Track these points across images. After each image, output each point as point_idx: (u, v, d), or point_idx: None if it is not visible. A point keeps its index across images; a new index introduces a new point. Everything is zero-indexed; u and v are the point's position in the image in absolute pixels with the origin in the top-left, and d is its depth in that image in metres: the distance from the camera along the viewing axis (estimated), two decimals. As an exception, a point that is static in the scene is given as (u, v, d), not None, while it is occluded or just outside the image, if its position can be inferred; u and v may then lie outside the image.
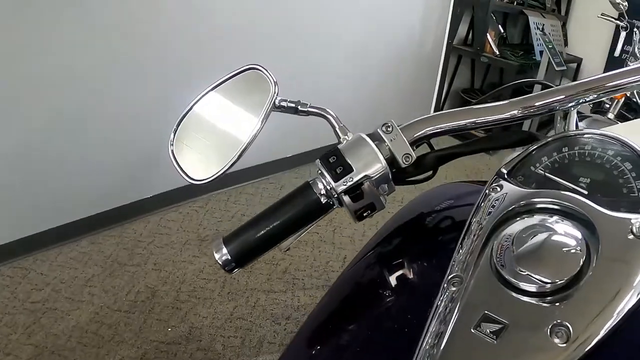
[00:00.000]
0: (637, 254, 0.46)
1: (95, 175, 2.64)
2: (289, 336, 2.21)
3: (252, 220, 0.58)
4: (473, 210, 0.57)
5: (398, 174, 0.60)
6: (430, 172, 0.66)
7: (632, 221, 0.48)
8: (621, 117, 3.58)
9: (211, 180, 0.61)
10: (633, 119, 2.82)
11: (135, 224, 2.85)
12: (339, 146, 0.58)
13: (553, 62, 4.13)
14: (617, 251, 0.46)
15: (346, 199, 0.56)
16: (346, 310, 0.64)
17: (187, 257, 2.65)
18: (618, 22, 3.93)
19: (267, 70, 0.62)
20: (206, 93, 0.67)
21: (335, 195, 0.56)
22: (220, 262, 0.56)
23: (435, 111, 3.97)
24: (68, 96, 2.40)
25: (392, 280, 0.63)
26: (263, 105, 0.61)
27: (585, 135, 0.59)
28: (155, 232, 2.81)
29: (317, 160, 0.58)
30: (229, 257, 0.56)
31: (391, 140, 0.58)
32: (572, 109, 0.65)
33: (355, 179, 0.55)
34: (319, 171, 0.57)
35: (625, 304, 0.43)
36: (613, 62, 4.09)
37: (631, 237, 0.47)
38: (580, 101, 0.62)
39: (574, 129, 0.68)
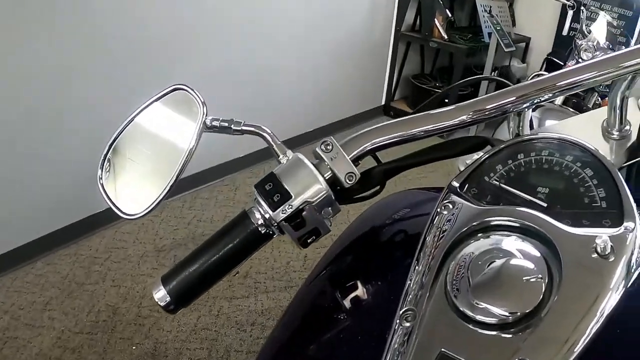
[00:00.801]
0: (602, 276, 0.43)
1: (44, 194, 2.53)
2: (256, 343, 2.18)
3: (190, 256, 0.53)
4: (425, 231, 0.53)
5: (343, 192, 0.56)
6: (378, 187, 0.62)
7: (597, 240, 0.44)
8: (576, 96, 3.64)
9: (147, 213, 0.56)
10: (587, 105, 2.86)
11: (91, 239, 2.76)
12: (275, 171, 0.54)
13: (502, 44, 4.16)
14: (581, 274, 0.43)
15: (287, 227, 0.52)
16: (300, 338, 0.61)
17: (145, 270, 2.59)
18: (565, 1, 4.00)
19: (193, 90, 0.57)
20: (132, 119, 0.62)
21: (275, 224, 0.52)
22: (161, 305, 0.52)
23: (387, 100, 4.01)
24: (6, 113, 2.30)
25: (348, 304, 0.60)
26: (193, 128, 0.57)
27: (542, 140, 0.56)
28: (111, 247, 2.73)
29: (254, 187, 0.54)
30: (169, 299, 0.52)
31: (332, 159, 0.54)
32: (527, 109, 0.62)
33: (294, 206, 0.51)
34: (256, 199, 0.53)
35: (590, 331, 0.40)
36: (561, 41, 4.15)
37: (595, 256, 0.44)
38: (535, 101, 0.59)
39: (529, 129, 0.66)
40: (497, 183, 0.53)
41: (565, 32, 4.15)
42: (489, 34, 4.32)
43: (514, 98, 0.58)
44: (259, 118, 2.80)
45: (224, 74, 3.07)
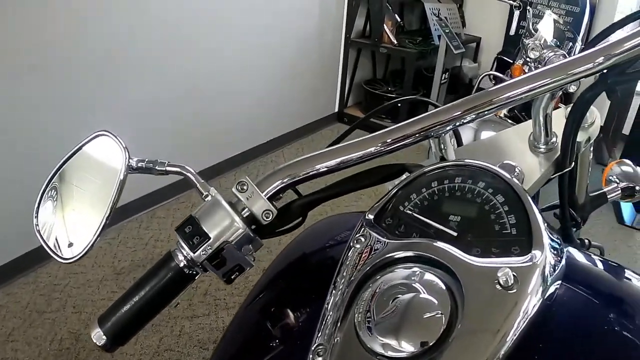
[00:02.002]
0: (504, 308, 0.43)
1: None
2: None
3: (123, 297, 0.55)
4: (339, 265, 0.53)
5: (264, 228, 0.57)
6: (300, 219, 0.64)
7: (498, 273, 0.44)
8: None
9: (82, 256, 0.58)
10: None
11: (49, 266, 2.70)
12: (194, 213, 0.55)
13: (451, 46, 4.22)
14: (483, 306, 0.43)
15: (209, 266, 0.54)
16: None
17: (105, 294, 2.55)
18: (511, 2, 4.07)
19: (116, 137, 0.59)
20: (60, 167, 0.64)
21: (198, 265, 0.54)
22: (99, 345, 0.54)
23: (340, 107, 4.01)
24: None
25: (274, 335, 0.61)
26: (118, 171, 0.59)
27: (455, 167, 0.56)
28: (70, 272, 2.67)
29: (175, 230, 0.55)
30: (105, 339, 0.54)
31: (247, 198, 0.56)
32: (447, 133, 0.63)
33: (213, 247, 0.53)
34: (178, 241, 0.54)
35: None
36: (511, 39, 4.22)
37: (498, 288, 0.44)
38: (457, 124, 0.59)
39: (452, 152, 0.66)
40: (411, 212, 0.53)
41: (512, 32, 4.22)
42: (439, 37, 4.37)
43: (433, 123, 0.58)
44: (210, 133, 2.79)
45: (169, 91, 3.01)
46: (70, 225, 0.62)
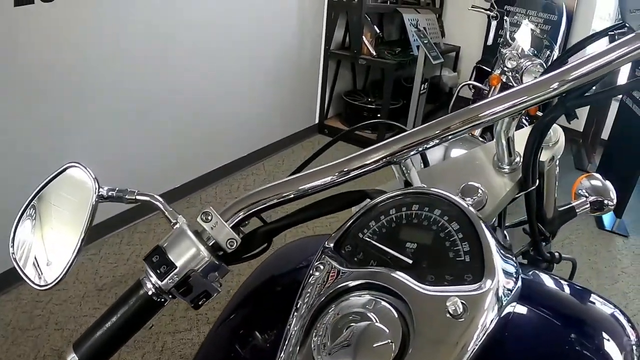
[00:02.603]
0: (453, 337, 0.44)
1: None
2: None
3: (96, 323, 0.57)
4: (300, 290, 0.55)
5: (230, 255, 0.59)
6: (265, 245, 0.65)
7: (447, 302, 0.45)
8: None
9: (58, 282, 0.60)
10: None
11: (30, 283, 2.69)
12: (161, 243, 0.57)
13: (430, 57, 4.25)
14: (433, 335, 0.44)
15: (176, 293, 0.55)
16: None
17: (87, 310, 2.53)
18: (488, 12, 4.12)
19: (86, 168, 0.61)
20: (33, 197, 0.65)
21: (166, 292, 0.56)
22: None
23: (320, 118, 4.03)
24: None
25: (244, 356, 0.64)
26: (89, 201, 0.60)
27: (413, 194, 0.57)
28: (52, 289, 2.64)
29: (143, 260, 0.57)
30: None
31: (212, 228, 0.57)
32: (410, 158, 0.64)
33: (180, 275, 0.55)
34: (146, 270, 0.56)
35: None
36: (491, 48, 4.26)
37: (448, 316, 0.45)
38: (421, 149, 0.61)
39: (416, 177, 0.68)
40: (369, 240, 0.55)
41: (490, 42, 4.28)
42: (418, 47, 4.39)
43: (393, 151, 0.60)
44: (190, 148, 2.77)
45: (147, 106, 3.00)
46: (47, 251, 0.64)
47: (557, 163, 0.86)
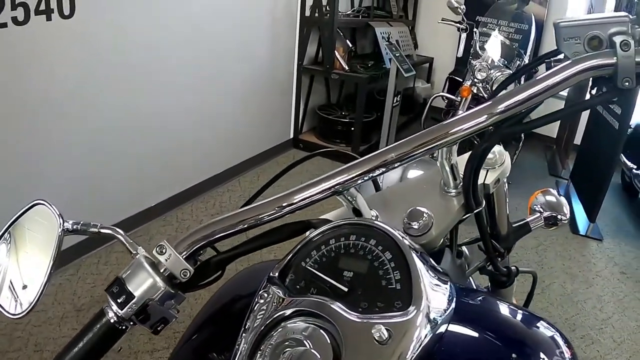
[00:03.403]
0: None
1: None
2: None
3: (64, 350, 0.60)
4: (246, 318, 0.58)
5: (186, 283, 0.62)
6: (220, 273, 0.67)
7: (373, 330, 0.48)
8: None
9: (28, 312, 0.64)
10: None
11: (9, 304, 2.66)
12: (120, 275, 0.60)
13: (401, 69, 4.29)
14: (359, 359, 0.47)
15: (136, 321, 0.59)
16: None
17: (66, 331, 2.52)
18: (457, 25, 4.18)
19: (51, 205, 0.65)
20: (2, 234, 0.69)
21: (127, 320, 0.58)
22: None
23: (295, 133, 4.05)
24: None
25: None
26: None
27: (350, 225, 0.60)
28: (31, 310, 2.62)
29: (104, 291, 0.60)
30: None
31: (166, 259, 0.60)
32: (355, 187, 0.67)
33: (138, 304, 0.58)
34: (108, 300, 0.59)
35: None
36: (463, 59, 4.33)
37: (374, 343, 0.48)
38: (361, 182, 0.64)
39: (364, 203, 0.70)
40: (310, 269, 0.57)
41: (460, 54, 4.33)
42: (390, 60, 4.43)
43: (340, 180, 0.64)
44: (164, 167, 2.78)
45: (121, 125, 2.99)
46: (16, 285, 0.67)
47: (505, 183, 0.88)
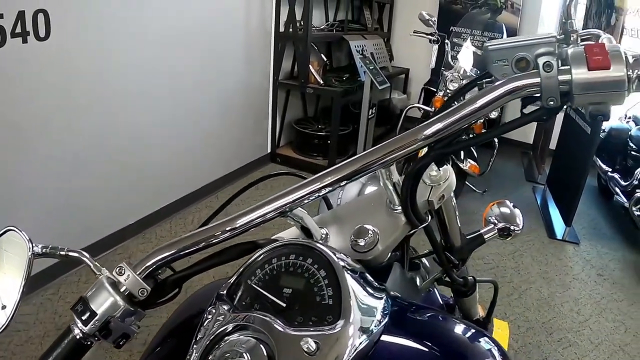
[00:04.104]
0: None
1: None
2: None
3: None
4: (195, 333, 0.62)
5: (145, 301, 0.66)
6: (177, 290, 0.72)
7: (301, 342, 0.52)
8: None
9: (4, 329, 0.66)
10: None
11: (-10, 325, 2.64)
12: (84, 294, 0.64)
13: (375, 82, 4.33)
14: None
15: (99, 336, 0.63)
16: None
17: (49, 350, 2.51)
18: (429, 37, 4.25)
19: (20, 231, 0.68)
20: None
21: (91, 336, 0.62)
22: None
23: (272, 147, 4.07)
24: None
25: None
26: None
27: (290, 245, 0.64)
28: (12, 329, 2.60)
29: (70, 309, 0.64)
30: None
31: (125, 279, 0.64)
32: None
33: (100, 321, 0.62)
34: (74, 318, 0.63)
35: None
36: (438, 70, 4.39)
37: (304, 354, 0.52)
38: (306, 202, 0.68)
39: (311, 220, 0.75)
40: (255, 286, 0.61)
41: (433, 65, 4.39)
42: (365, 73, 4.47)
43: (287, 201, 0.68)
44: (142, 184, 2.78)
45: (96, 144, 2.98)
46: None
47: (452, 197, 0.91)
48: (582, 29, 0.69)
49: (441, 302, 1.23)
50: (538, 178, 5.00)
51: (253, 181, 0.95)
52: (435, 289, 1.22)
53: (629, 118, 4.58)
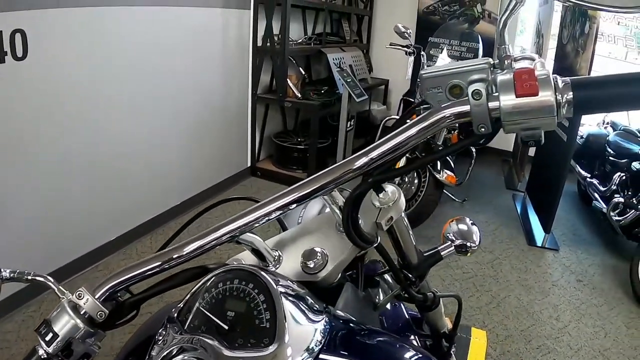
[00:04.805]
0: None
1: None
2: None
3: None
4: (147, 354, 0.66)
5: (105, 322, 0.69)
6: (135, 312, 0.75)
7: None
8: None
9: None
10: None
11: (-26, 343, 2.64)
12: (47, 317, 0.68)
13: (353, 95, 4.36)
14: None
15: (62, 357, 0.66)
16: None
17: (30, 367, 2.49)
18: (405, 49, 4.29)
19: None
20: None
21: (55, 355, 0.66)
22: None
23: (252, 161, 4.06)
24: None
25: None
26: None
27: (234, 271, 0.66)
28: None
29: (34, 331, 0.68)
30: None
31: (84, 303, 0.68)
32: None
33: (63, 343, 0.66)
34: (38, 339, 0.67)
35: None
36: (414, 81, 4.43)
37: None
38: (256, 226, 0.71)
39: (261, 242, 0.78)
40: (202, 309, 0.64)
41: (409, 77, 4.43)
42: (342, 85, 4.49)
43: (240, 225, 0.71)
44: (122, 199, 2.81)
45: (77, 160, 2.97)
46: None
47: (404, 217, 0.92)
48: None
49: (407, 317, 1.24)
50: (518, 186, 5.04)
51: (206, 207, 0.97)
52: (401, 304, 1.23)
53: (607, 124, 4.63)
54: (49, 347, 0.65)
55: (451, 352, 1.29)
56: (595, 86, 0.59)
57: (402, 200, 0.84)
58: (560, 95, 0.58)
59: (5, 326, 2.74)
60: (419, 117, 0.64)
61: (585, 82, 0.59)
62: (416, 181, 3.72)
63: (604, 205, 3.80)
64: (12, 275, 0.71)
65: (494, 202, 4.70)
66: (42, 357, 0.66)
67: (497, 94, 0.59)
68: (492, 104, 0.60)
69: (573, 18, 4.02)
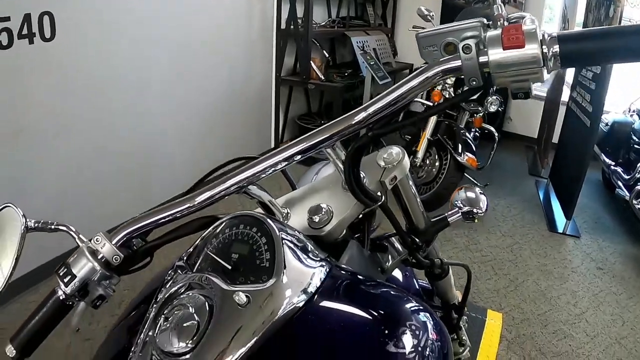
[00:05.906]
0: (239, 321, 0.59)
1: None
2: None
3: (26, 322, 0.73)
4: (157, 293, 0.69)
5: (120, 267, 0.73)
6: (148, 259, 0.79)
7: (234, 296, 0.59)
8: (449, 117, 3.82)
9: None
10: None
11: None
12: (67, 260, 0.72)
13: (376, 77, 4.36)
14: (224, 318, 0.59)
15: (79, 297, 0.71)
16: None
17: (32, 356, 2.50)
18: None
19: (16, 207, 0.75)
20: None
21: (71, 296, 0.70)
22: (10, 357, 0.72)
23: (275, 143, 4.08)
24: None
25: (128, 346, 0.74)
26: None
27: (241, 217, 0.69)
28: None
29: (54, 272, 0.72)
30: (15, 352, 0.72)
31: (102, 247, 0.72)
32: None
33: (80, 283, 0.70)
34: (57, 280, 0.71)
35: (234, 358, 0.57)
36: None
37: (237, 307, 0.59)
38: (263, 176, 0.75)
39: (267, 196, 0.82)
40: (209, 253, 0.67)
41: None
42: (366, 68, 4.49)
43: (239, 179, 0.75)
44: (145, 179, 2.78)
45: (99, 144, 3.01)
46: None
47: (409, 180, 0.93)
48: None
49: (417, 287, 1.25)
50: (541, 172, 5.00)
51: (220, 164, 1.01)
52: (412, 275, 1.24)
53: (633, 112, 4.56)
54: (66, 287, 0.69)
55: (460, 324, 1.31)
56: (581, 39, 0.61)
57: (406, 160, 0.87)
58: (547, 48, 0.60)
59: (30, 297, 2.78)
60: (414, 73, 0.67)
61: (571, 36, 0.61)
62: (437, 164, 3.72)
63: (628, 194, 3.75)
64: (36, 225, 0.74)
65: (516, 188, 4.68)
66: (60, 297, 0.71)
67: (486, 49, 0.62)
68: (482, 58, 0.62)
69: (598, 2, 3.97)
